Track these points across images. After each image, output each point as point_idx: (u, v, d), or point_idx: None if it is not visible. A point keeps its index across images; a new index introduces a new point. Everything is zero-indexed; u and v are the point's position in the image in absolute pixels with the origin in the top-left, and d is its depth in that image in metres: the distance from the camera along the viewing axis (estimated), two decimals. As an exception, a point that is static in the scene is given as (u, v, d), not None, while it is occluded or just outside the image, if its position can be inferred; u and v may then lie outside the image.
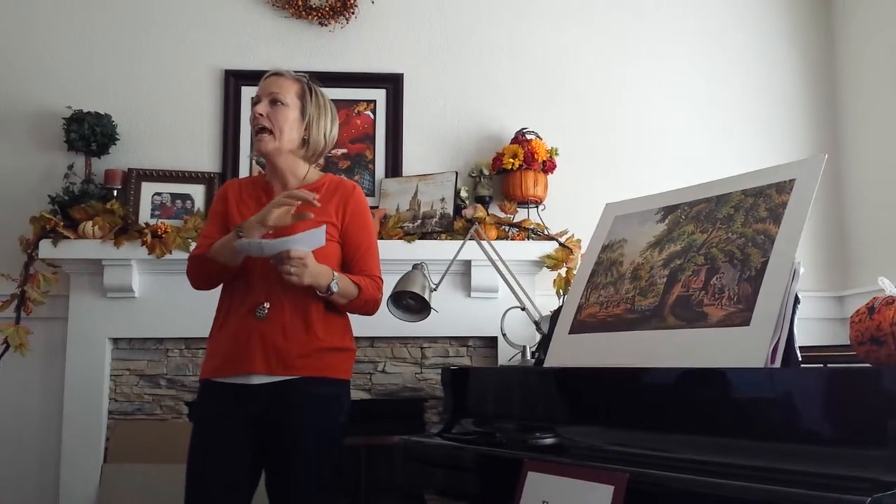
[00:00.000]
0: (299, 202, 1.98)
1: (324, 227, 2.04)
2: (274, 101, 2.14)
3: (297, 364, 2.05)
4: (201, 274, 2.17)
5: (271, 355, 2.03)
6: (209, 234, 2.17)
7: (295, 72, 2.22)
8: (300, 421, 2.03)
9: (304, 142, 2.17)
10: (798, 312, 1.62)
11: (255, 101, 2.16)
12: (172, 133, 3.27)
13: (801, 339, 1.63)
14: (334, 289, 2.03)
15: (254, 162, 3.15)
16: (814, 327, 3.21)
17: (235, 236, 2.01)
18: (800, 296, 1.63)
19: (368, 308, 2.19)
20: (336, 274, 2.05)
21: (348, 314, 2.22)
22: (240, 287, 2.12)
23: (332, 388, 2.11)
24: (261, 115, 2.13)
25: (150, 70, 3.29)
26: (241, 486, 2.06)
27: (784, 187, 1.77)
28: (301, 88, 2.18)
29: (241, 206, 2.18)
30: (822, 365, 1.92)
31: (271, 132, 2.13)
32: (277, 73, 2.20)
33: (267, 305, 2.06)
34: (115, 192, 3.10)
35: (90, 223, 2.98)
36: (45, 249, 2.97)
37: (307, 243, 1.98)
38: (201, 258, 2.13)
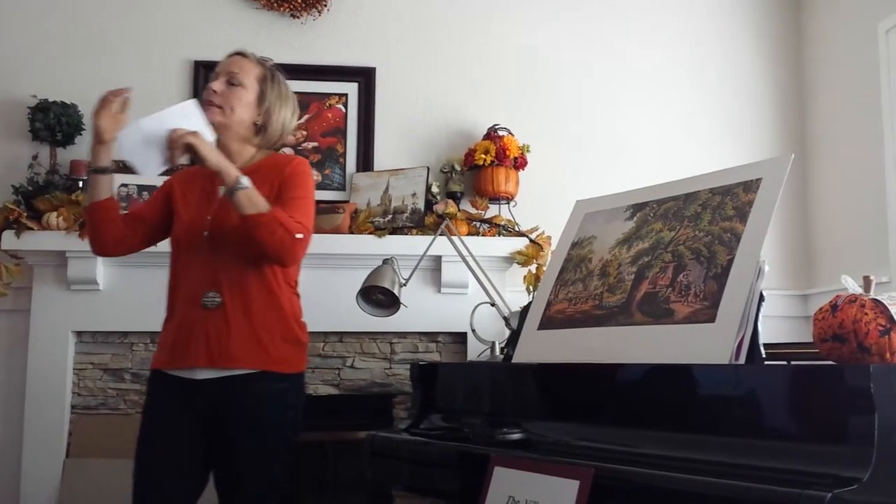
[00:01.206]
0: (115, 97, 1.91)
1: (194, 100, 1.95)
2: (231, 81, 2.05)
3: (242, 357, 1.95)
4: (93, 232, 2.06)
5: (214, 348, 1.94)
6: (133, 209, 2.11)
7: (259, 56, 2.14)
8: (247, 420, 1.95)
9: (260, 128, 2.08)
10: (763, 310, 1.63)
11: (213, 79, 2.08)
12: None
13: (765, 337, 1.65)
14: (244, 182, 1.86)
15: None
16: (778, 325, 3.25)
17: (93, 171, 1.95)
18: (764, 294, 1.65)
19: (280, 241, 1.89)
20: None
21: (297, 300, 2.11)
22: (183, 275, 2.04)
23: (280, 383, 2.00)
24: (214, 91, 2.04)
25: (118, 60, 3.24)
26: (190, 479, 1.98)
27: (751, 186, 1.79)
28: (263, 73, 2.09)
29: (187, 192, 2.09)
30: (785, 362, 1.94)
31: (220, 108, 2.03)
32: (241, 54, 2.11)
33: (215, 295, 1.95)
34: (80, 184, 3.04)
35: (54, 214, 2.93)
36: (8, 240, 2.91)
37: (181, 117, 1.89)
38: (86, 216, 2.06)
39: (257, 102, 2.07)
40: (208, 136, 1.93)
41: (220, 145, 2.05)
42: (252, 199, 1.88)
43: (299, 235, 1.93)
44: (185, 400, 1.97)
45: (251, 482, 1.96)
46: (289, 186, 2.02)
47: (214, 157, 1.89)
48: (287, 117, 2.13)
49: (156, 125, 1.90)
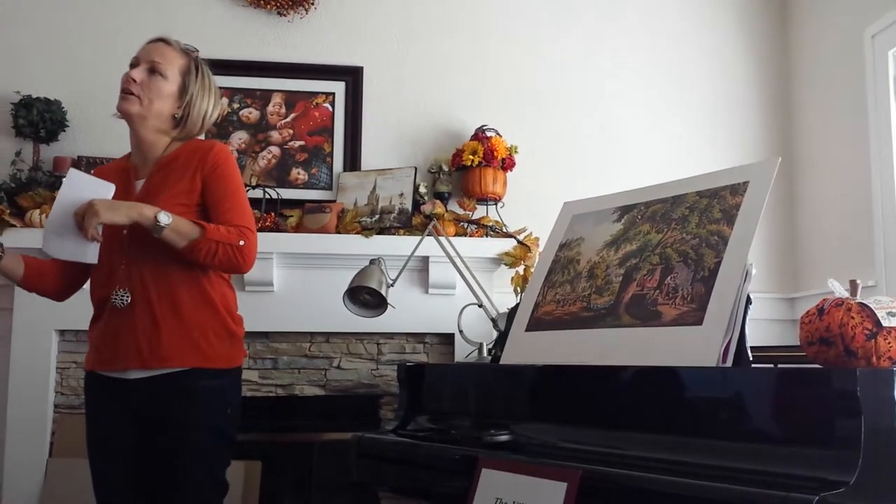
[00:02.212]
0: None
1: (71, 170, 1.90)
2: (153, 71, 1.96)
3: (175, 356, 1.89)
4: (41, 293, 2.08)
5: (144, 349, 1.87)
6: None
7: (185, 44, 2.05)
8: (181, 419, 1.89)
9: (179, 120, 2.00)
10: (750, 313, 1.64)
11: (133, 64, 1.99)
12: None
13: (752, 340, 1.65)
14: (163, 220, 1.79)
15: None
16: (765, 328, 3.27)
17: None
18: (752, 297, 1.65)
19: (226, 256, 1.87)
20: (164, 211, 1.83)
21: (230, 293, 2.04)
22: (93, 276, 1.97)
23: (215, 379, 1.94)
24: (133, 80, 1.95)
25: (100, 57, 3.21)
26: (130, 476, 1.94)
27: (738, 189, 1.79)
28: (187, 64, 2.01)
29: None
30: (772, 365, 1.95)
31: (138, 97, 1.95)
32: (165, 41, 2.02)
33: (125, 294, 1.88)
34: (63, 180, 3.02)
35: (37, 211, 2.91)
36: (-10, 238, 2.88)
37: (73, 191, 1.84)
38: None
39: (178, 94, 1.99)
40: (104, 192, 1.86)
41: (135, 136, 2.02)
42: (180, 232, 1.84)
43: (241, 242, 1.89)
44: (120, 400, 1.92)
45: (191, 483, 1.90)
46: (215, 181, 1.95)
47: (124, 214, 1.81)
48: (208, 110, 2.05)
49: (58, 219, 1.85)
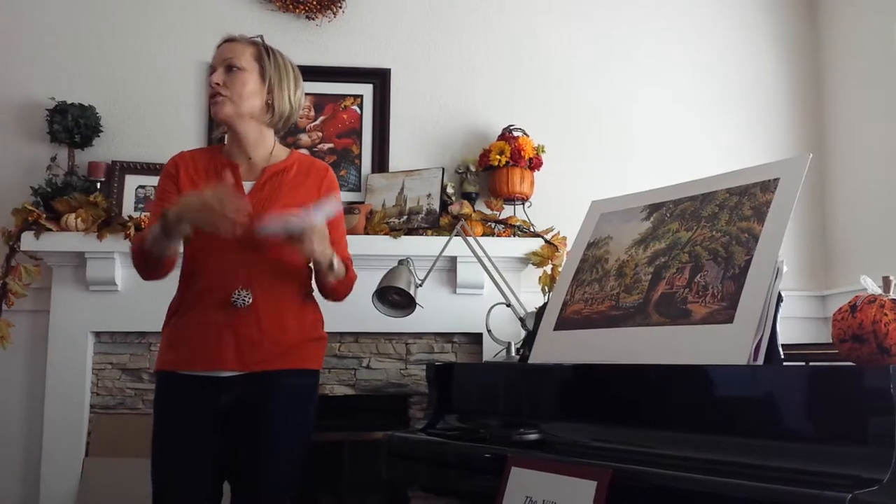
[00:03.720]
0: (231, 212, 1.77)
1: (334, 194, 2.01)
2: (230, 68, 1.97)
3: (274, 359, 1.93)
4: (142, 265, 1.99)
5: (245, 351, 1.90)
6: (154, 222, 1.93)
7: (250, 37, 2.06)
8: (275, 412, 1.93)
9: (269, 106, 2.01)
10: (781, 311, 1.63)
11: (211, 72, 2.00)
12: (157, 126, 3.24)
13: (783, 338, 1.64)
14: (336, 265, 1.95)
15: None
16: (796, 326, 3.23)
17: (164, 230, 1.84)
18: (783, 294, 1.64)
19: (348, 290, 2.08)
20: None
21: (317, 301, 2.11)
22: (206, 271, 1.95)
23: (305, 378, 2.02)
24: (217, 84, 1.96)
25: (134, 62, 3.26)
26: (209, 482, 1.94)
27: (768, 186, 1.78)
28: (257, 50, 2.01)
29: (195, 178, 1.99)
30: (804, 363, 1.93)
31: (228, 98, 1.96)
32: (230, 39, 2.04)
33: (247, 294, 1.91)
34: (98, 185, 3.07)
35: (73, 215, 2.96)
36: (28, 241, 2.93)
37: (323, 215, 1.87)
38: (139, 251, 1.96)
39: (260, 81, 2.00)
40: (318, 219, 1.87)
41: (237, 136, 2.01)
42: (339, 271, 1.98)
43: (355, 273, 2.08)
44: (204, 399, 1.91)
45: (272, 477, 1.92)
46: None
47: (322, 252, 1.89)
48: (291, 90, 2.05)
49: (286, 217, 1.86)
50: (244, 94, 1.97)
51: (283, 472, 1.94)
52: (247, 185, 2.00)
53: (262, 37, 2.07)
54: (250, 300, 1.91)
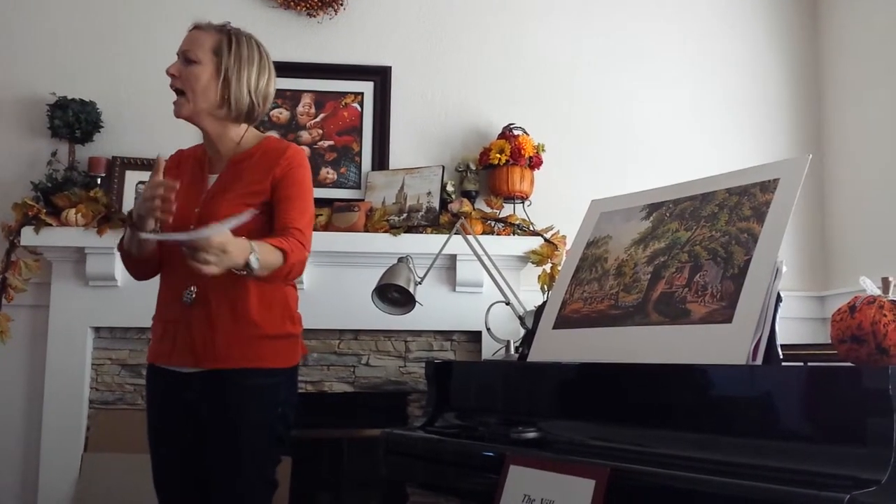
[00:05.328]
0: (159, 195, 1.73)
1: (249, 211, 1.75)
2: (187, 60, 1.90)
3: (227, 356, 1.87)
4: (127, 265, 2.00)
5: (198, 348, 1.87)
6: None
7: (219, 23, 1.98)
8: (235, 417, 1.87)
9: (223, 100, 1.91)
10: (780, 311, 1.63)
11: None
12: (157, 122, 3.22)
13: (782, 338, 1.64)
14: (254, 265, 1.71)
15: None
16: (795, 327, 3.23)
17: (132, 229, 1.83)
18: (782, 295, 1.64)
19: (293, 273, 1.86)
20: (254, 245, 1.72)
21: (292, 291, 2.02)
22: (167, 269, 1.96)
23: (268, 378, 1.91)
24: (172, 75, 1.90)
25: (135, 58, 3.26)
26: (182, 474, 1.95)
27: (768, 186, 1.78)
28: (218, 41, 1.92)
29: (179, 177, 1.93)
30: (802, 363, 1.94)
31: (185, 94, 1.89)
32: (196, 27, 1.96)
33: (194, 289, 1.87)
34: (98, 180, 3.07)
35: (73, 211, 2.96)
36: (28, 236, 2.94)
37: (228, 226, 1.69)
38: (121, 251, 1.96)
39: (215, 74, 1.91)
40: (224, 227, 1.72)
41: (206, 134, 1.98)
42: (267, 264, 1.76)
43: (307, 254, 1.88)
44: (174, 393, 1.93)
45: (240, 480, 1.88)
46: (287, 184, 1.92)
47: (223, 267, 1.67)
48: (251, 80, 1.94)
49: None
50: (197, 89, 1.89)
51: (247, 479, 1.89)
52: (212, 179, 1.98)
53: (229, 23, 1.99)
54: (193, 296, 1.87)
